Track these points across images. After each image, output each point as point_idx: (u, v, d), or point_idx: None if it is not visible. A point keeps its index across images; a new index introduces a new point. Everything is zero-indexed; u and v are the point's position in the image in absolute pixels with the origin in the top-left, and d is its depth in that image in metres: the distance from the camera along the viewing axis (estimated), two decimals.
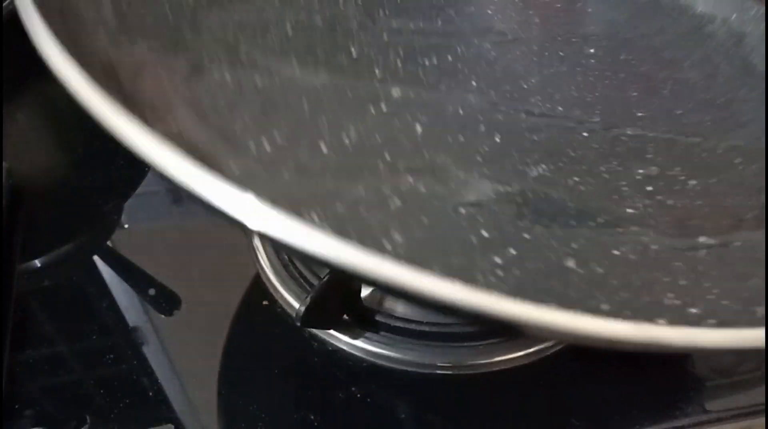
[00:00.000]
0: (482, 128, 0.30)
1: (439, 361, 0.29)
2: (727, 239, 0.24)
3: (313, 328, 0.29)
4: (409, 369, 0.29)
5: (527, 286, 0.21)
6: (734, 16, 0.34)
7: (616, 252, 0.24)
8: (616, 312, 0.20)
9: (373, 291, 0.30)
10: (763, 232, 0.24)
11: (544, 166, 0.28)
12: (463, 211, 0.25)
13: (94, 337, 0.30)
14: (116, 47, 0.23)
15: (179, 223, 0.37)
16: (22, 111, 0.39)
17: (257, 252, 0.32)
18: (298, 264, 0.31)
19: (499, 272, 0.22)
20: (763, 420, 0.28)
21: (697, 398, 0.29)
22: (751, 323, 0.15)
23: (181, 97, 0.24)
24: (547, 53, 0.36)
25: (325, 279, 0.28)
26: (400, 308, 0.30)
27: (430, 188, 0.25)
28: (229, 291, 0.31)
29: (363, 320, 0.29)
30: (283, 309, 0.30)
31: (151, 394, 0.27)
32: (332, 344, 0.29)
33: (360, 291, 0.30)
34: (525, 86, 0.33)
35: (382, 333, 0.29)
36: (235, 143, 0.24)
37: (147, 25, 0.25)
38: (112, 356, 0.29)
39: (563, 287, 0.22)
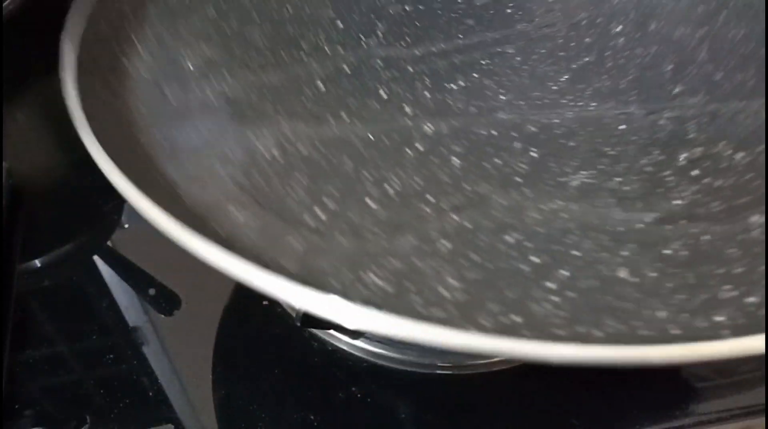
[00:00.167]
0: (517, 146, 0.30)
1: (439, 361, 0.29)
2: None
3: (313, 328, 0.29)
4: (409, 369, 0.29)
5: (583, 308, 0.21)
6: None
7: (667, 251, 0.23)
8: (673, 318, 0.20)
9: None
10: None
11: (583, 172, 0.28)
12: (510, 239, 0.25)
13: (94, 337, 0.30)
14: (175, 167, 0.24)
15: None
16: (22, 111, 0.39)
17: None
18: None
19: (555, 298, 0.22)
20: (763, 420, 0.28)
21: (697, 398, 0.29)
22: None
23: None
24: (573, 44, 0.35)
25: None
26: None
27: (475, 222, 0.25)
28: (229, 291, 0.31)
29: None
30: (283, 309, 0.30)
31: (151, 394, 0.28)
32: (332, 344, 0.29)
33: None
34: (555, 88, 0.33)
35: None
36: (292, 220, 0.24)
37: None
38: (112, 356, 0.29)
39: (619, 301, 0.21)
